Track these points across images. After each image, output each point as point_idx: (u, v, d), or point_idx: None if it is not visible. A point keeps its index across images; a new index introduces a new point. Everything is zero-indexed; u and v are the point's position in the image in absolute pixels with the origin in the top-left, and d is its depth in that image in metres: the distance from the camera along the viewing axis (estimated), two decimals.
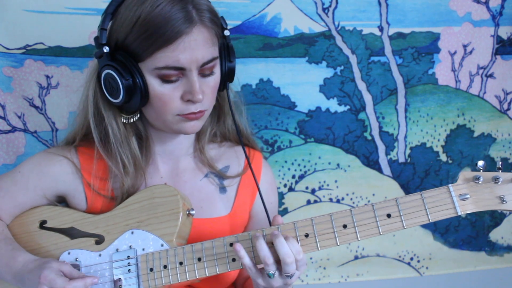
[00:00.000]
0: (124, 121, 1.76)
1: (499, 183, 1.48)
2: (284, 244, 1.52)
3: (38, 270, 1.60)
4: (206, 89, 1.68)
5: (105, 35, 1.66)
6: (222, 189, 1.89)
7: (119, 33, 1.63)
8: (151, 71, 1.62)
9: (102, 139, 1.76)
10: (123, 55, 1.64)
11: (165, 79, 1.63)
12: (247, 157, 1.81)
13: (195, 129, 1.73)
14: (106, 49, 1.65)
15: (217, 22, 1.67)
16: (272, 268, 1.53)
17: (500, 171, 1.50)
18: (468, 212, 1.49)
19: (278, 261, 1.54)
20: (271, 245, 1.54)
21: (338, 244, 1.53)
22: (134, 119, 1.77)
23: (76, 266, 1.70)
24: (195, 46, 1.59)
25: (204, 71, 1.65)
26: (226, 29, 1.74)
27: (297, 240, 1.55)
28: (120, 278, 1.66)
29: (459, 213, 1.49)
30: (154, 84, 1.64)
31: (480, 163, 1.50)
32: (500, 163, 1.50)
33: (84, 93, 1.77)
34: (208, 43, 1.62)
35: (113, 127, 1.74)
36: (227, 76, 1.77)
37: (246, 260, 1.56)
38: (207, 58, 1.63)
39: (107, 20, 1.66)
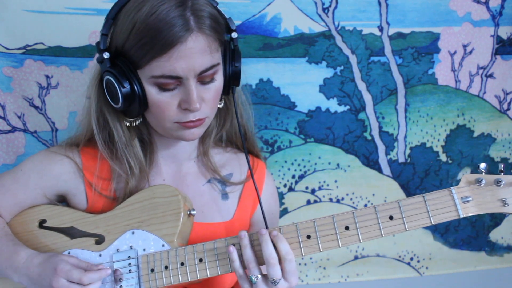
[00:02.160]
0: (128, 124, 1.75)
1: (502, 185, 1.47)
2: (268, 244, 1.53)
3: (50, 263, 1.60)
4: (207, 96, 1.66)
5: (105, 41, 1.65)
6: (224, 195, 1.88)
7: (118, 39, 1.63)
8: (148, 79, 1.61)
9: (106, 143, 1.76)
10: (123, 62, 1.63)
11: (162, 87, 1.62)
12: (251, 171, 1.78)
13: (195, 136, 1.73)
14: (106, 55, 1.64)
15: (218, 29, 1.64)
16: (254, 273, 1.54)
17: (502, 173, 1.50)
18: (470, 214, 1.49)
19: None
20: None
21: (340, 246, 1.53)
22: (137, 123, 1.76)
23: None
24: (191, 55, 1.56)
25: (203, 78, 1.63)
26: (234, 31, 1.72)
27: (299, 241, 1.56)
28: (121, 279, 1.66)
29: (461, 216, 1.49)
30: (152, 92, 1.63)
31: (482, 165, 1.50)
32: (502, 165, 1.50)
33: (87, 99, 1.77)
34: (206, 51, 1.59)
35: (117, 130, 1.74)
36: (232, 80, 1.74)
37: (236, 264, 1.56)
38: (205, 66, 1.60)
39: (107, 25, 1.65)
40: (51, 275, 1.57)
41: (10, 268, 1.69)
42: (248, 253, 1.55)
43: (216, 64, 1.64)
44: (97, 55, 1.68)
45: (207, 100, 1.66)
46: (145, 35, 1.55)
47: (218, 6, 1.71)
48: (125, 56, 1.62)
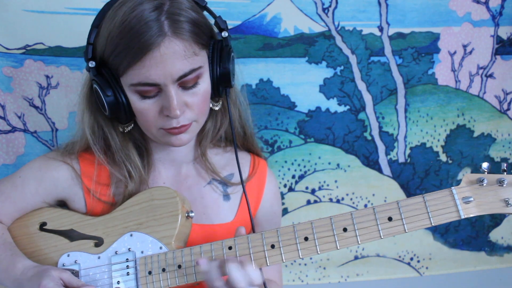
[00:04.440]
0: (122, 130, 1.75)
1: (504, 185, 1.45)
2: (236, 270, 1.50)
3: (37, 279, 1.58)
4: (191, 101, 1.63)
5: (90, 50, 1.64)
6: (226, 196, 1.86)
7: (99, 48, 1.62)
8: (129, 87, 1.60)
9: (102, 149, 1.75)
10: (107, 70, 1.62)
11: (143, 95, 1.60)
12: (242, 181, 1.74)
13: (183, 142, 1.70)
14: (91, 64, 1.62)
15: (198, 32, 1.60)
16: None
17: (505, 173, 1.47)
18: (472, 215, 1.47)
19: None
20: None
21: (338, 248, 1.52)
22: (129, 128, 1.75)
23: (76, 272, 1.69)
24: (165, 61, 1.53)
25: (184, 84, 1.60)
26: (224, 30, 1.69)
27: (297, 243, 1.55)
28: (118, 281, 1.66)
29: (463, 217, 1.47)
30: (134, 100, 1.62)
31: (485, 165, 1.48)
32: (505, 165, 1.47)
33: (80, 107, 1.76)
34: (183, 56, 1.56)
35: (112, 136, 1.74)
36: (221, 82, 1.70)
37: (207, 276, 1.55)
38: (183, 71, 1.57)
39: (92, 34, 1.64)
40: None
41: (7, 279, 1.68)
42: (238, 275, 1.51)
43: (196, 68, 1.60)
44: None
45: (191, 105, 1.64)
46: (119, 43, 1.54)
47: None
48: (107, 65, 1.61)
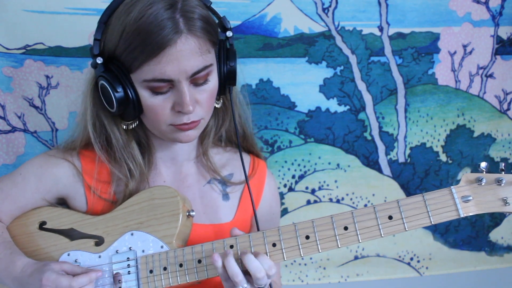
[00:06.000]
0: (125, 127, 1.75)
1: (502, 184, 1.46)
2: (252, 260, 1.52)
3: (38, 274, 1.59)
4: (201, 98, 1.65)
5: (97, 46, 1.65)
6: (225, 196, 1.87)
7: (110, 44, 1.62)
8: (141, 83, 1.61)
9: (103, 146, 1.75)
10: (116, 66, 1.62)
11: (155, 91, 1.61)
12: (246, 177, 1.76)
13: (191, 138, 1.71)
14: (99, 60, 1.63)
15: (210, 30, 1.62)
16: (242, 284, 1.53)
17: (503, 172, 1.49)
18: (471, 214, 1.48)
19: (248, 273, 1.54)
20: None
21: (339, 246, 1.53)
22: (133, 126, 1.76)
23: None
24: (181, 57, 1.55)
25: (196, 80, 1.62)
26: (228, 29, 1.70)
27: (298, 242, 1.55)
28: (120, 280, 1.66)
29: (462, 216, 1.48)
30: (145, 96, 1.63)
31: (483, 164, 1.49)
32: (503, 164, 1.49)
33: (82, 104, 1.76)
34: (197, 53, 1.58)
35: (115, 134, 1.74)
36: (227, 80, 1.73)
37: (220, 271, 1.55)
38: (197, 67, 1.59)
39: (100, 30, 1.65)
40: (38, 286, 1.57)
41: (7, 278, 1.69)
42: (232, 267, 1.53)
43: (208, 65, 1.63)
44: (91, 60, 1.68)
45: (201, 102, 1.65)
46: (135, 39, 1.55)
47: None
48: (118, 61, 1.62)
